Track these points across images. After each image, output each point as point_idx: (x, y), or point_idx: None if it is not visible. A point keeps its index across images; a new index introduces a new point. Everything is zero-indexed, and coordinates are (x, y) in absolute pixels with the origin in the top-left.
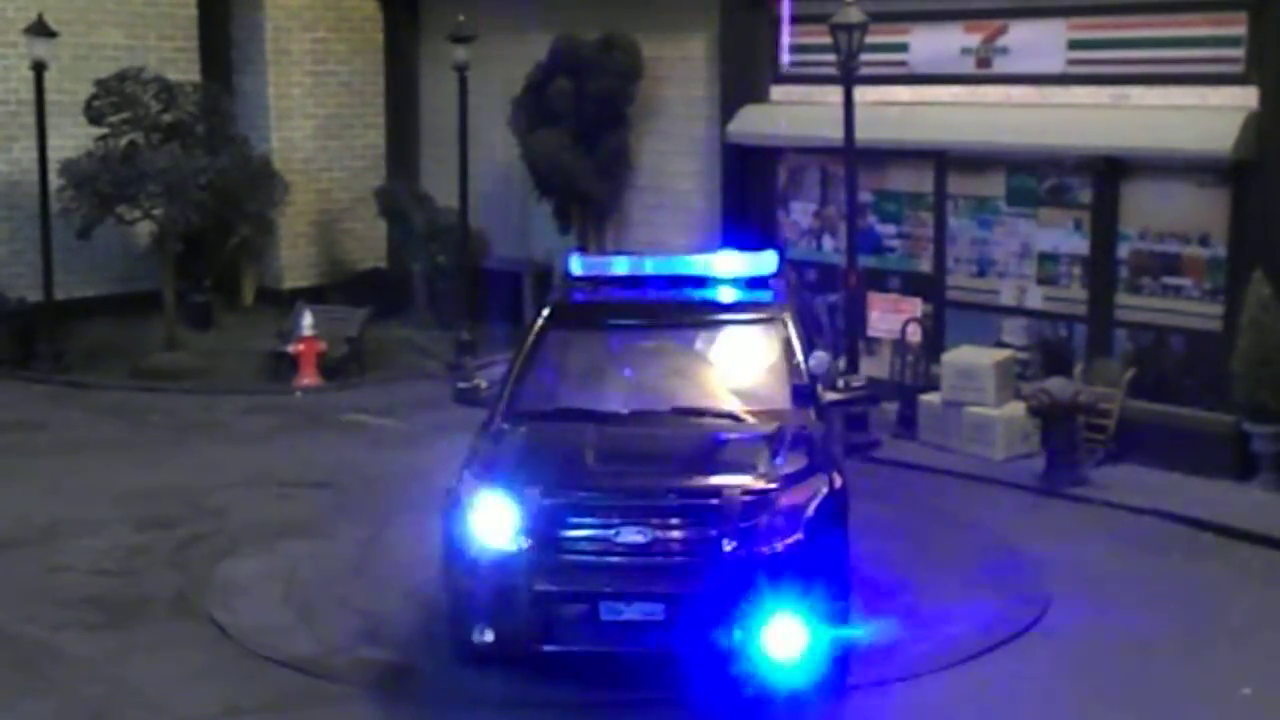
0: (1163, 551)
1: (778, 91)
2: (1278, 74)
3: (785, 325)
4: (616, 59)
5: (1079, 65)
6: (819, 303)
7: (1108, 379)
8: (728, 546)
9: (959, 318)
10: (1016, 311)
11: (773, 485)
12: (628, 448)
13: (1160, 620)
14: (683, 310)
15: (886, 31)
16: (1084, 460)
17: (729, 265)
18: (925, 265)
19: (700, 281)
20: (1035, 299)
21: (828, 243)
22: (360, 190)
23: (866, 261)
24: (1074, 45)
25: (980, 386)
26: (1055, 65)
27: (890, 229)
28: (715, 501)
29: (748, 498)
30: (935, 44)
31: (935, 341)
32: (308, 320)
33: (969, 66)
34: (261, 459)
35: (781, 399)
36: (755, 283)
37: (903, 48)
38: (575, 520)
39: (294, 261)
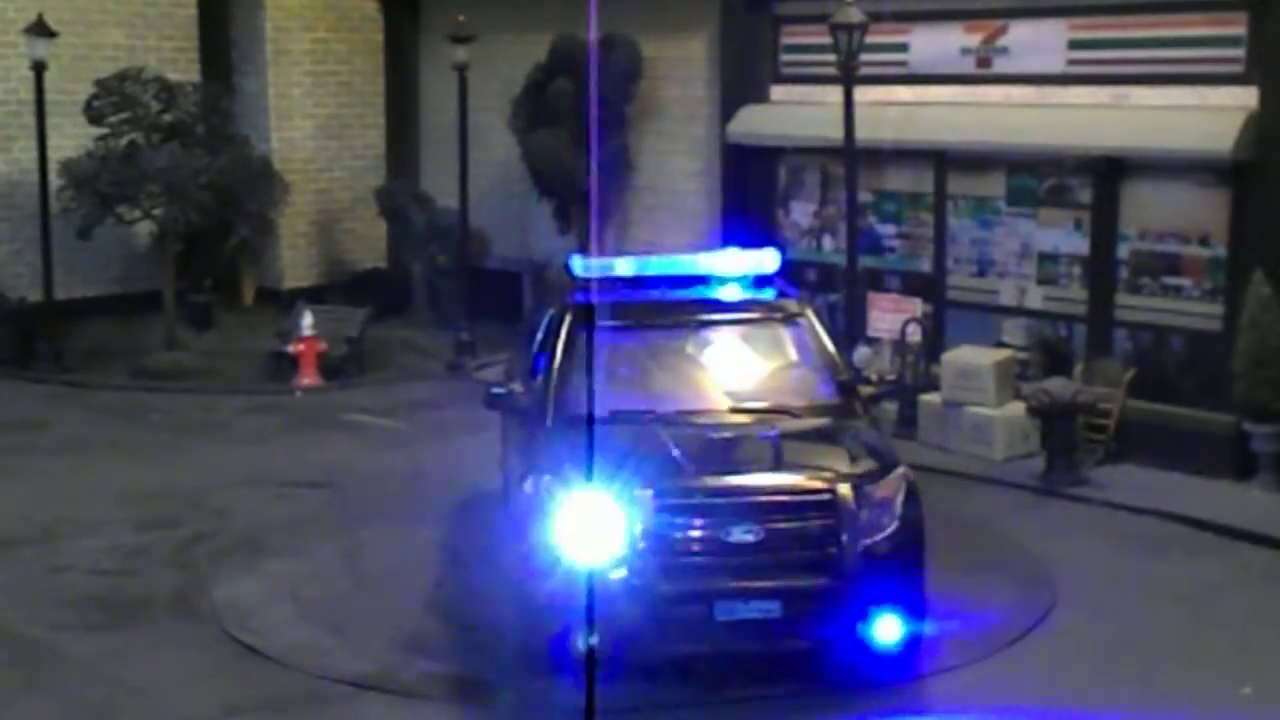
0: (1163, 551)
1: (778, 91)
2: (1278, 74)
3: (811, 321)
4: (616, 59)
5: (1079, 65)
6: (819, 303)
7: (1108, 379)
8: (841, 539)
9: (959, 318)
10: (1016, 311)
11: (870, 478)
12: (713, 447)
13: (1160, 620)
14: (710, 309)
15: (886, 31)
16: (1084, 460)
17: (733, 264)
18: (925, 265)
19: (710, 280)
20: (1035, 299)
21: (828, 243)
22: (360, 190)
23: (866, 261)
24: (1074, 45)
25: (980, 386)
26: (1055, 65)
27: (890, 229)
28: (827, 496)
29: (855, 491)
30: (935, 44)
31: (935, 341)
32: (308, 320)
33: (969, 66)
34: (261, 459)
35: (828, 394)
36: (760, 281)
37: (903, 48)
38: (688, 521)
39: (294, 261)
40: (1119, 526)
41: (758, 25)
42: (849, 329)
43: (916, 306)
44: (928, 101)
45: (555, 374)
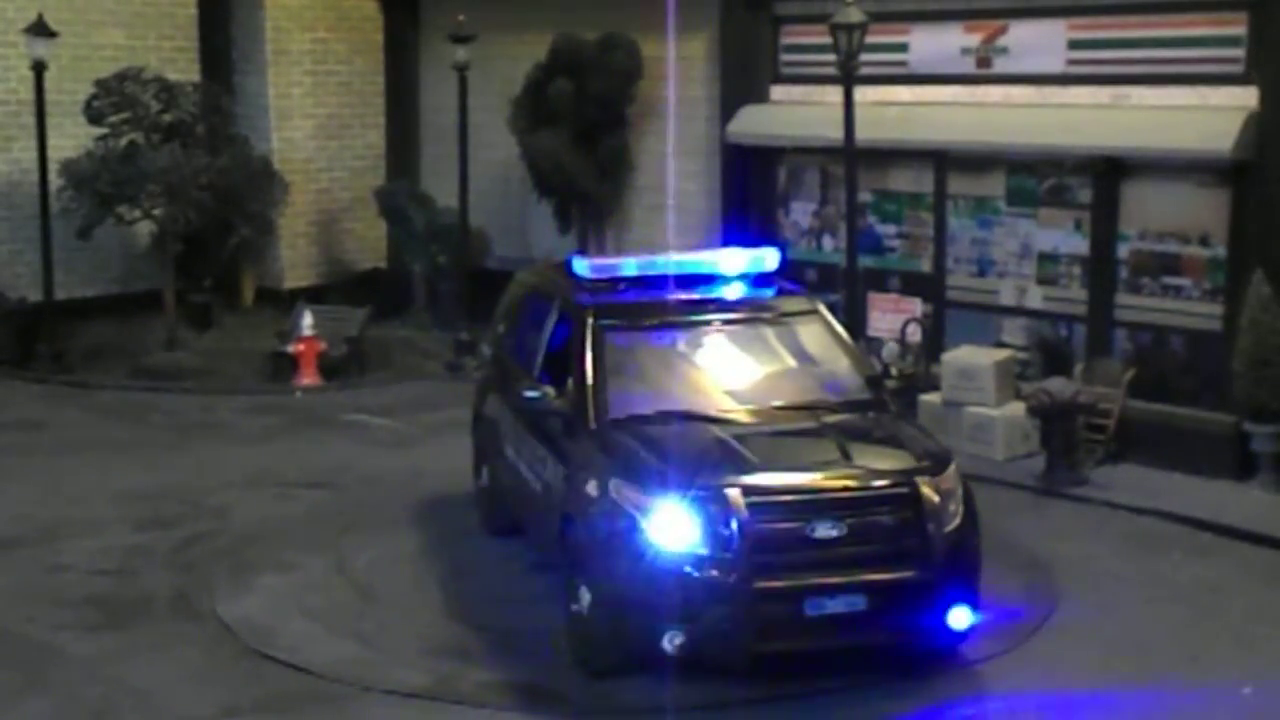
0: (1163, 551)
1: (778, 91)
2: (1278, 74)
3: (827, 317)
4: (616, 59)
5: (1079, 65)
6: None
7: (1108, 379)
8: (926, 531)
9: (959, 318)
10: (1016, 311)
11: (934, 470)
12: (779, 444)
13: (1161, 619)
14: (730, 308)
15: (886, 31)
16: (1084, 460)
17: (734, 263)
18: (925, 265)
19: (714, 279)
20: (1035, 299)
21: (828, 243)
22: (360, 190)
23: (866, 261)
24: (1074, 45)
25: (980, 386)
26: (1055, 65)
27: (890, 229)
28: (908, 490)
29: (931, 483)
30: (935, 44)
31: (935, 341)
32: (308, 320)
33: (969, 66)
34: (261, 459)
35: (859, 390)
36: (761, 280)
37: (903, 48)
38: (776, 517)
39: (294, 261)
40: (1119, 526)
41: (758, 25)
42: (849, 329)
43: (916, 306)
44: (928, 101)
45: (589, 376)
